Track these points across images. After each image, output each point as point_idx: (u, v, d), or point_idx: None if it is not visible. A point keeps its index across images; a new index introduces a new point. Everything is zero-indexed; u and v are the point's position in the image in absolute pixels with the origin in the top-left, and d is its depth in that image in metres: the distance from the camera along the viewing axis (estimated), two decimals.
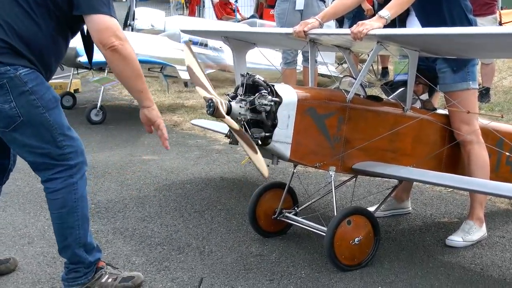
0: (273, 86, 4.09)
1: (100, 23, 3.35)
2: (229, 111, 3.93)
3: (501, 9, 13.24)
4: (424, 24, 4.53)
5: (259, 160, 3.79)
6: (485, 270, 4.24)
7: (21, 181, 6.13)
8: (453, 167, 4.73)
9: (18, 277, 4.16)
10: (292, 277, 4.12)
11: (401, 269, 4.24)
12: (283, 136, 4.08)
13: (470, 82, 4.58)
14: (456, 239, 4.60)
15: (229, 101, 3.99)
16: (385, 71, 11.47)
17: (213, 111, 3.85)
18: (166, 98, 10.34)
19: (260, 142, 4.05)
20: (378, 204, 4.96)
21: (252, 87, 4.08)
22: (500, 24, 11.32)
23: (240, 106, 3.98)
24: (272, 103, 4.00)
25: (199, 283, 3.66)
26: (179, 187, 5.99)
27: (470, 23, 4.51)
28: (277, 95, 4.05)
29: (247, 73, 4.12)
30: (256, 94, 4.00)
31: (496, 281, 4.08)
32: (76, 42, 8.70)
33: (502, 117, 5.70)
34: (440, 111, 4.81)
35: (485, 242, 4.65)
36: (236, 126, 3.85)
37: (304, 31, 4.53)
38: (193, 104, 9.75)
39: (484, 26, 6.76)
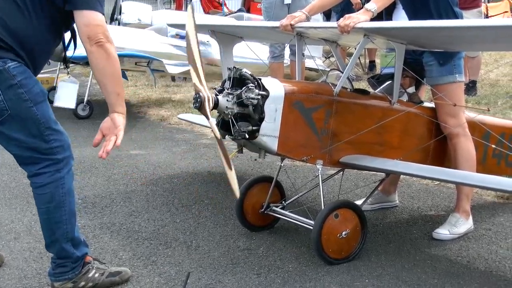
0: (260, 79, 4.08)
1: (92, 18, 3.32)
2: (216, 105, 3.92)
3: (488, 2, 13.30)
4: (411, 17, 4.53)
5: (233, 177, 3.74)
6: (471, 263, 4.25)
7: (7, 176, 6.11)
8: (440, 160, 4.74)
9: (5, 272, 4.14)
10: (279, 271, 4.12)
11: (388, 262, 4.25)
12: (271, 129, 4.07)
13: (457, 75, 4.59)
14: (442, 232, 4.61)
15: (216, 94, 3.97)
16: (372, 65, 11.49)
17: (199, 106, 3.82)
18: (153, 92, 10.31)
19: (247, 136, 4.04)
20: (365, 198, 4.97)
21: (239, 80, 4.06)
22: (487, 17, 11.36)
23: (227, 100, 3.96)
24: (259, 96, 3.99)
25: (186, 278, 3.65)
26: (166, 182, 5.98)
27: (456, 16, 4.51)
28: (264, 89, 4.04)
29: (234, 67, 4.10)
30: (243, 88, 3.98)
31: (482, 273, 4.10)
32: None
33: (489, 110, 5.72)
34: (426, 104, 4.81)
35: (472, 234, 4.67)
36: (218, 134, 3.84)
37: (291, 25, 4.52)
38: (180, 98, 9.74)
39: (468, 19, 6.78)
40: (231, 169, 3.75)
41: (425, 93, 5.04)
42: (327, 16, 10.38)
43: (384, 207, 5.24)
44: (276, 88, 4.09)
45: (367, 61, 11.60)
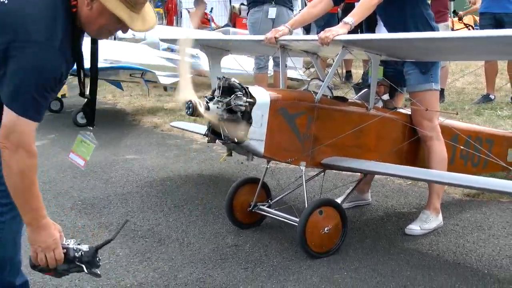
0: (247, 88, 4.09)
1: (17, 124, 2.50)
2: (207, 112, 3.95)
3: (454, 17, 13.37)
4: (391, 31, 4.55)
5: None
6: (441, 256, 4.27)
7: None
8: (412, 161, 4.76)
9: None
10: (264, 265, 4.12)
11: (364, 256, 4.26)
12: (258, 134, 4.08)
13: (433, 83, 4.63)
14: (414, 228, 4.63)
15: (207, 102, 3.99)
16: (348, 74, 11.50)
17: (192, 112, 3.85)
18: (147, 101, 10.28)
19: (236, 140, 4.05)
20: (343, 196, 4.99)
21: (228, 89, 4.08)
22: (453, 30, 11.43)
23: (217, 107, 3.98)
24: (247, 103, 4.01)
25: (123, 225, 3.40)
26: (159, 184, 5.96)
27: (433, 30, 4.56)
28: (251, 96, 4.05)
29: (223, 77, 4.12)
30: (232, 96, 4.00)
31: (451, 265, 4.12)
32: None
33: (457, 114, 5.75)
34: (400, 110, 4.84)
35: (441, 230, 4.68)
36: (215, 118, 3.93)
37: (275, 38, 4.53)
38: (172, 107, 9.71)
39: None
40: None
41: (402, 100, 5.06)
42: (307, 30, 10.40)
43: (359, 205, 5.24)
44: (262, 95, 4.10)
45: (344, 71, 11.62)
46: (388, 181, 5.82)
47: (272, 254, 4.30)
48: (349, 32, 4.18)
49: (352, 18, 4.23)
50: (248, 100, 4.03)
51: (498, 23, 8.57)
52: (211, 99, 4.05)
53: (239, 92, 4.03)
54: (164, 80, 8.84)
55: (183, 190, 5.77)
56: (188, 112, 3.89)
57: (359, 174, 5.04)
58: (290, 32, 4.58)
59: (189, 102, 3.85)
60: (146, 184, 5.95)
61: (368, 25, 4.57)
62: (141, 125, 8.71)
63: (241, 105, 3.98)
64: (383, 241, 4.53)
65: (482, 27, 8.87)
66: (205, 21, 16.57)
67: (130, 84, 10.30)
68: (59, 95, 9.94)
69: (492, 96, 9.05)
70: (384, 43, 4.26)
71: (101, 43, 9.22)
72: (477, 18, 13.68)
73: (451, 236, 4.60)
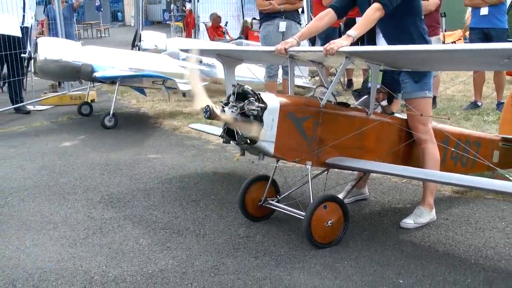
0: (259, 94, 4.09)
1: None
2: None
3: (445, 31, 13.32)
4: (390, 43, 4.54)
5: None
6: (432, 247, 4.25)
7: (47, 176, 6.09)
8: (408, 161, 4.75)
9: (45, 256, 4.15)
10: (273, 254, 4.12)
11: (363, 246, 4.25)
12: (268, 136, 4.07)
13: (426, 91, 4.62)
14: (408, 221, 4.61)
15: (223, 107, 4.00)
16: (350, 82, 11.47)
17: (210, 115, 3.86)
18: (167, 106, 10.29)
19: (249, 141, 4.06)
20: (344, 193, 4.99)
21: (241, 95, 4.08)
22: (444, 43, 11.38)
23: (232, 111, 3.99)
24: (259, 108, 4.01)
25: None
26: (178, 181, 5.96)
27: (427, 43, 4.55)
28: (263, 102, 4.05)
29: (238, 84, 4.13)
30: (245, 101, 4.01)
31: (441, 255, 4.11)
32: (92, 60, 8.76)
33: (449, 119, 5.73)
34: (397, 115, 4.83)
35: (432, 223, 4.66)
36: (230, 118, 3.95)
37: (285, 49, 4.53)
38: (190, 111, 9.71)
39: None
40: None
41: (398, 106, 5.04)
42: (312, 42, 10.39)
43: (358, 199, 5.23)
44: (272, 101, 4.09)
45: (346, 79, 11.60)
46: (385, 179, 5.80)
47: (279, 244, 4.29)
48: (352, 44, 4.18)
49: (355, 32, 4.21)
50: (260, 105, 4.02)
51: (487, 37, 8.53)
52: (226, 104, 4.06)
53: (252, 98, 4.03)
54: (183, 86, 8.85)
55: (199, 186, 5.76)
56: (206, 116, 3.90)
57: (358, 172, 5.04)
58: (298, 44, 4.57)
59: (207, 107, 3.87)
60: (166, 181, 5.95)
61: (369, 37, 4.55)
62: (162, 127, 8.72)
63: (253, 109, 3.99)
64: (380, 233, 4.52)
65: (472, 41, 8.84)
66: (220, 34, 16.58)
67: (152, 90, 10.30)
68: (89, 100, 10.01)
69: (479, 103, 9.02)
70: (383, 55, 4.25)
71: (126, 53, 9.32)
72: (467, 33, 13.72)
73: (442, 229, 4.58)
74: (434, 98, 8.87)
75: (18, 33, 9.73)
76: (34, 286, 3.71)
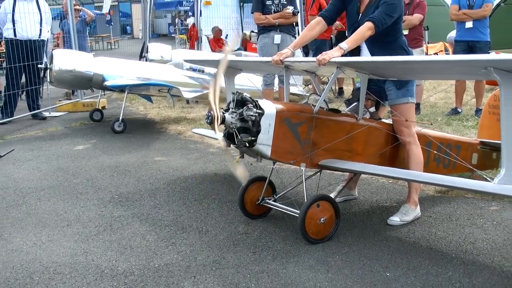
0: (257, 101, 4.10)
1: None
2: (223, 121, 3.95)
3: (428, 43, 13.35)
4: (373, 54, 4.54)
5: (238, 171, 3.83)
6: (417, 242, 4.25)
7: (61, 177, 6.09)
8: (394, 163, 4.74)
9: (59, 251, 4.14)
10: (270, 250, 4.11)
11: (353, 242, 4.24)
12: (265, 140, 4.07)
13: (409, 97, 4.62)
14: (395, 219, 4.60)
15: (223, 113, 4.00)
16: (340, 90, 11.48)
17: (211, 121, 3.88)
18: (172, 112, 10.28)
19: (247, 145, 4.06)
20: (335, 192, 4.98)
21: (241, 102, 4.09)
22: (427, 54, 11.40)
23: (232, 117, 3.99)
24: (257, 114, 4.02)
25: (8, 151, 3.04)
26: (182, 181, 5.95)
27: (408, 54, 4.56)
28: (260, 108, 4.05)
29: (237, 91, 4.14)
30: (244, 107, 4.01)
31: (424, 250, 4.10)
32: (103, 70, 8.75)
33: (432, 124, 5.73)
34: (384, 120, 4.83)
35: (417, 221, 4.65)
36: (222, 144, 4.00)
37: (281, 60, 4.53)
38: (193, 117, 9.70)
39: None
40: (235, 168, 3.82)
41: (384, 112, 5.04)
42: (306, 53, 10.40)
43: (348, 199, 5.22)
44: (269, 107, 4.09)
45: (337, 87, 11.60)
46: (374, 180, 5.80)
47: (276, 240, 4.28)
48: (342, 55, 4.19)
49: (346, 45, 4.23)
50: (258, 111, 4.03)
51: (471, 49, 8.54)
52: (226, 110, 4.06)
53: (250, 104, 4.04)
54: (187, 94, 8.85)
55: (202, 186, 5.75)
56: (207, 121, 3.90)
57: (348, 173, 5.03)
58: (293, 53, 4.58)
59: (208, 113, 3.87)
60: (171, 181, 5.94)
61: (352, 50, 4.58)
62: (167, 132, 8.70)
63: (251, 115, 3.99)
64: (369, 230, 4.51)
65: (457, 52, 8.81)
66: (221, 46, 16.57)
67: (158, 97, 10.31)
68: (100, 107, 10.00)
69: (459, 110, 9.02)
70: (371, 65, 4.25)
71: (135, 64, 9.28)
72: (447, 44, 13.75)
73: (425, 226, 4.57)
74: (418, 105, 8.91)
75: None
76: (49, 279, 3.71)
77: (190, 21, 22.63)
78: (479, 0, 8.50)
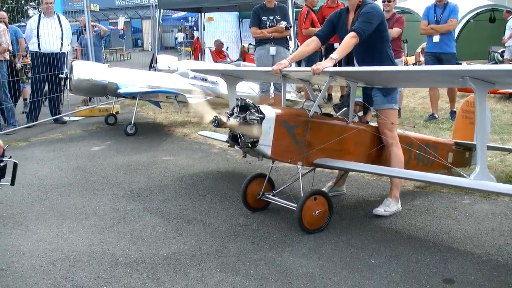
0: (258, 106, 4.11)
1: None
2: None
3: (407, 55, 13.36)
4: (360, 64, 4.55)
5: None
6: (398, 232, 4.23)
7: (80, 175, 6.06)
8: (378, 161, 4.73)
9: (79, 241, 4.11)
10: (267, 240, 4.09)
11: (342, 232, 4.23)
12: (266, 141, 4.08)
13: (393, 104, 4.62)
14: (380, 209, 4.59)
15: (228, 117, 4.02)
16: (330, 97, 11.44)
17: (218, 123, 3.88)
18: (178, 116, 10.26)
19: (250, 145, 4.08)
20: (326, 188, 4.97)
21: (244, 107, 4.10)
22: (406, 65, 11.40)
23: (236, 120, 4.00)
24: (258, 118, 4.03)
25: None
26: (188, 178, 5.94)
27: (394, 64, 4.57)
28: (261, 113, 4.07)
29: (241, 98, 4.16)
30: (247, 112, 4.03)
31: (405, 239, 4.09)
32: (117, 79, 8.73)
33: (414, 127, 5.72)
34: (371, 123, 4.83)
35: (398, 213, 4.64)
36: (236, 124, 3.97)
37: (280, 69, 4.53)
38: (197, 120, 9.69)
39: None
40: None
41: (371, 116, 5.04)
42: (298, 63, 10.37)
43: (337, 194, 5.20)
44: (269, 112, 4.10)
45: (327, 94, 11.57)
46: (360, 177, 5.78)
47: (272, 231, 4.26)
48: (333, 65, 4.21)
49: (336, 55, 4.24)
50: (259, 115, 4.05)
51: (439, 60, 8.56)
52: (231, 115, 4.08)
53: (253, 109, 4.06)
54: (192, 100, 8.84)
55: (205, 183, 5.74)
56: (215, 125, 3.91)
57: (338, 172, 5.02)
58: (290, 65, 4.60)
59: (215, 117, 3.88)
60: (178, 179, 5.92)
61: (347, 59, 4.58)
62: (174, 134, 8.68)
63: (254, 119, 4.01)
64: (356, 222, 4.49)
65: (427, 62, 8.85)
66: (222, 57, 16.56)
67: (166, 103, 10.27)
68: (114, 112, 9.98)
69: (436, 116, 8.99)
70: (360, 74, 4.26)
71: (145, 73, 9.24)
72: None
73: (406, 218, 4.56)
74: (399, 109, 8.89)
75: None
76: (70, 266, 3.69)
77: (196, 34, 22.53)
78: (445, 16, 8.52)
